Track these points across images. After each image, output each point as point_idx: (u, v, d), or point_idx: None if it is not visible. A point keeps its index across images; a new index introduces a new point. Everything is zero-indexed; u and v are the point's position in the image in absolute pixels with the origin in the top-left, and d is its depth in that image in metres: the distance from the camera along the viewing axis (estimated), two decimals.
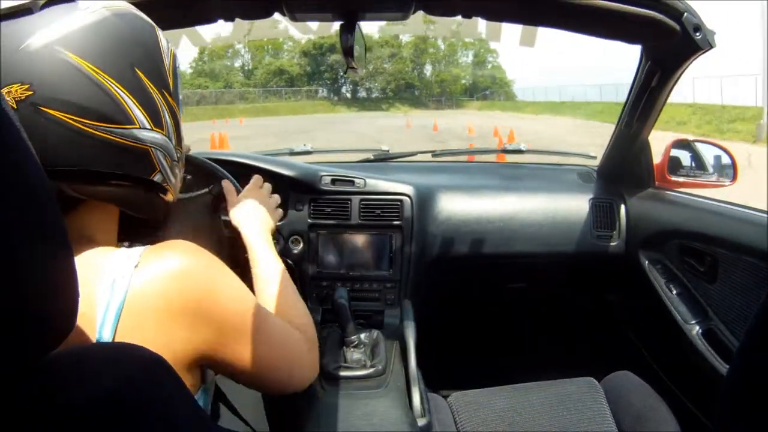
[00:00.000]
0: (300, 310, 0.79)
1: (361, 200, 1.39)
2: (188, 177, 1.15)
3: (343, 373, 1.10)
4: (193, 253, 0.56)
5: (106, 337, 0.49)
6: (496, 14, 1.01)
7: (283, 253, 1.38)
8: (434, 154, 1.87)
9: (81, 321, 0.47)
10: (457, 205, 1.47)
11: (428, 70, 45.00)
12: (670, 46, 1.06)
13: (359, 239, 1.40)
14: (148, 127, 0.56)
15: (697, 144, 1.46)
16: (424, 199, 1.44)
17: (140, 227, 0.64)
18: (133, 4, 0.87)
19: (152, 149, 0.57)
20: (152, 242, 0.58)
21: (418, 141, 13.39)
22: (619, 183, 1.51)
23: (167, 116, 0.59)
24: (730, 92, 17.75)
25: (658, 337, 1.43)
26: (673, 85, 1.21)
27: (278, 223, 1.38)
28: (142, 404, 0.37)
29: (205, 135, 10.78)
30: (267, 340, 0.62)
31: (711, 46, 1.01)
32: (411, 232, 1.39)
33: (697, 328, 1.18)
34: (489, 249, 1.45)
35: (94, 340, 0.49)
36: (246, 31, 1.19)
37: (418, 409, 1.04)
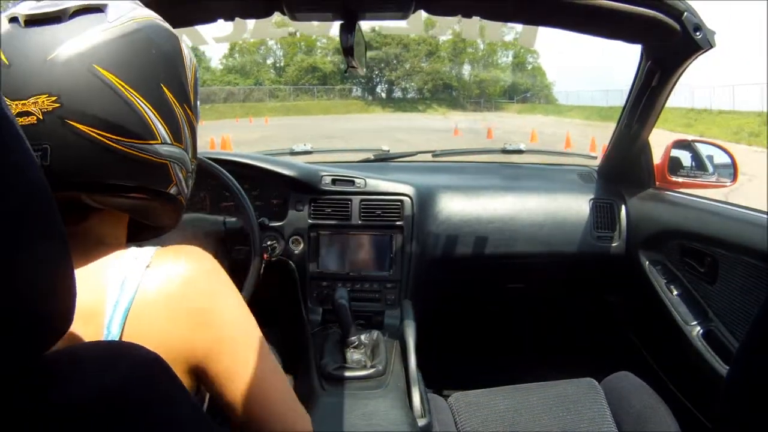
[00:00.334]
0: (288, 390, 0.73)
1: (362, 200, 1.39)
2: (203, 193, 1.15)
3: (343, 374, 1.10)
4: (204, 260, 0.57)
5: (114, 334, 0.49)
6: (496, 14, 1.01)
7: (284, 254, 1.38)
8: (434, 154, 1.87)
9: (90, 318, 0.48)
10: (458, 206, 1.47)
11: (466, 70, 41.70)
12: (671, 46, 1.06)
13: (359, 239, 1.40)
14: (169, 141, 0.56)
15: (697, 144, 1.46)
16: (425, 200, 1.44)
17: (146, 230, 0.64)
18: None
19: (170, 163, 0.57)
20: (160, 244, 0.58)
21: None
22: (619, 183, 1.51)
23: (186, 130, 0.59)
24: None
25: (658, 337, 1.43)
26: (674, 85, 1.21)
27: (278, 224, 1.38)
28: (140, 403, 0.37)
29: (219, 135, 10.05)
30: (263, 363, 0.60)
31: (711, 46, 1.01)
32: (411, 233, 1.39)
33: (698, 328, 1.18)
34: (489, 249, 1.45)
35: (102, 337, 0.49)
36: (246, 31, 1.19)
37: (418, 410, 1.04)
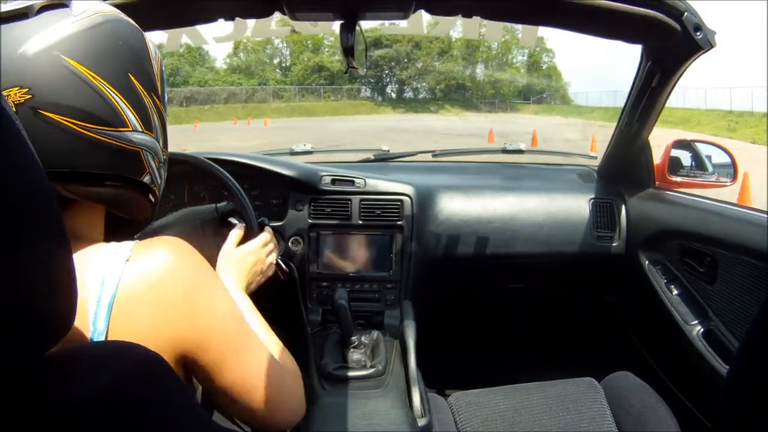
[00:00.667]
0: (282, 349, 0.76)
1: (362, 200, 1.39)
2: (203, 193, 1.15)
3: (343, 374, 1.10)
4: (183, 250, 0.58)
5: (100, 329, 0.50)
6: (496, 14, 1.01)
7: (284, 254, 1.38)
8: (434, 154, 1.87)
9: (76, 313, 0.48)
10: (458, 205, 1.47)
11: (480, 69, 39.23)
12: (671, 46, 1.06)
13: (359, 239, 1.40)
14: (140, 129, 0.58)
15: (697, 144, 1.46)
16: (425, 199, 1.44)
17: (124, 227, 0.65)
18: (135, 3, 0.87)
19: (143, 151, 0.58)
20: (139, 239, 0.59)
21: None
22: (619, 183, 1.51)
23: (156, 119, 0.60)
24: None
25: (658, 337, 1.43)
26: (674, 86, 1.21)
27: (278, 224, 1.38)
28: (140, 401, 0.37)
29: (204, 141, 9.59)
30: (251, 354, 0.62)
31: (711, 46, 1.01)
32: (411, 232, 1.39)
33: (697, 328, 1.18)
34: (489, 249, 1.45)
35: (88, 333, 0.50)
36: (247, 31, 1.19)
37: (418, 409, 1.04)
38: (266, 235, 1.00)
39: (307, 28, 1.29)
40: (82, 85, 0.52)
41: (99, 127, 0.53)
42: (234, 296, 0.69)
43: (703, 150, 1.44)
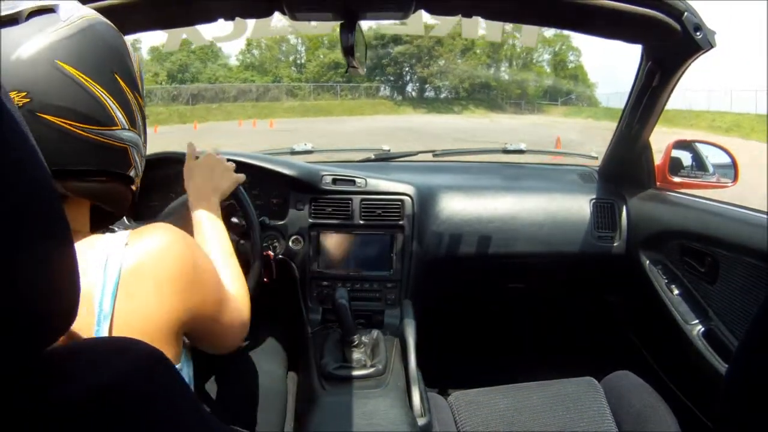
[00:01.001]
0: (238, 276, 0.84)
1: (362, 200, 1.39)
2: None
3: (343, 373, 1.10)
4: (175, 232, 0.62)
5: (106, 311, 0.53)
6: (496, 14, 1.01)
7: (284, 253, 1.38)
8: (435, 153, 1.87)
9: (81, 302, 0.49)
10: (458, 205, 1.47)
11: (504, 67, 36.55)
12: (671, 46, 1.06)
13: (360, 239, 1.40)
14: (127, 127, 0.61)
15: (697, 144, 1.45)
16: (425, 199, 1.44)
17: (104, 220, 0.68)
18: (135, 3, 0.87)
19: (129, 147, 0.62)
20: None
21: None
22: (620, 183, 1.51)
23: (138, 116, 0.64)
24: None
25: (659, 337, 1.43)
26: (674, 86, 1.21)
27: (279, 223, 1.38)
28: (141, 399, 0.37)
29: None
30: (228, 305, 0.71)
31: (711, 46, 1.01)
32: (412, 232, 1.39)
33: (698, 328, 1.18)
34: (490, 249, 1.45)
35: (94, 317, 0.52)
36: (246, 30, 1.19)
37: (418, 409, 1.05)
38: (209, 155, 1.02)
39: (307, 26, 1.28)
40: (76, 87, 0.55)
41: (92, 127, 0.57)
42: (201, 209, 0.88)
43: (704, 150, 1.44)
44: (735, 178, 1.39)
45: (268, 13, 0.93)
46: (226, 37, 1.21)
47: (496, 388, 1.18)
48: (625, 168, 1.48)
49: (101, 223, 0.67)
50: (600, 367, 1.28)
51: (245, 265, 1.13)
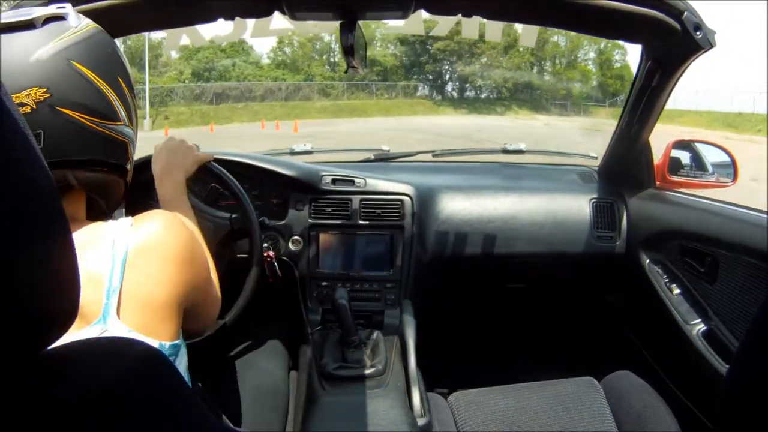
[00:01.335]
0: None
1: (362, 200, 1.39)
2: (203, 193, 1.16)
3: (343, 373, 1.10)
4: (175, 215, 0.69)
5: (115, 285, 0.58)
6: (496, 13, 1.01)
7: (284, 254, 1.38)
8: (435, 154, 1.87)
9: (91, 277, 0.57)
10: (458, 205, 1.47)
11: (548, 66, 32.84)
12: (671, 46, 1.06)
13: (359, 239, 1.40)
14: (127, 123, 0.68)
15: (697, 144, 1.46)
16: (425, 199, 1.44)
17: (97, 217, 0.71)
18: (135, 3, 0.87)
19: (128, 142, 0.69)
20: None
21: None
22: (619, 183, 1.51)
23: (134, 115, 0.71)
24: None
25: (658, 337, 1.43)
26: (674, 85, 1.21)
27: (279, 224, 1.38)
28: (141, 398, 0.37)
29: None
30: (212, 281, 0.79)
31: (711, 45, 1.01)
32: (412, 232, 1.39)
33: (698, 328, 1.18)
34: (489, 249, 1.45)
35: (104, 290, 0.57)
36: (246, 30, 1.19)
37: (418, 409, 1.05)
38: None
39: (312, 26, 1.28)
40: (88, 85, 0.62)
41: (102, 121, 0.64)
42: (168, 190, 0.94)
43: (703, 150, 1.44)
44: (734, 178, 1.39)
45: (267, 13, 0.93)
46: (226, 37, 1.21)
47: (496, 388, 1.18)
48: (625, 168, 1.48)
49: (94, 217, 0.70)
50: (600, 367, 1.28)
51: (245, 265, 1.13)
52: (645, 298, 1.34)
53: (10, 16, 0.60)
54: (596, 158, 1.69)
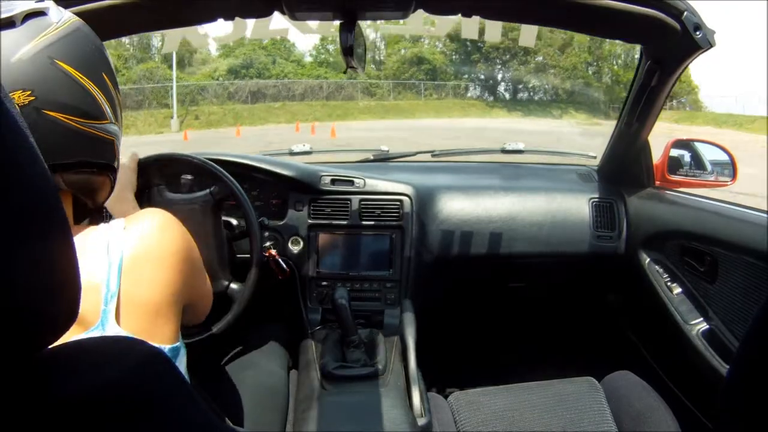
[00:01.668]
0: None
1: (361, 200, 1.39)
2: (189, 177, 1.16)
3: (343, 373, 1.10)
4: (167, 213, 0.67)
5: (113, 290, 0.57)
6: (495, 13, 1.01)
7: (284, 254, 1.38)
8: (434, 154, 1.87)
9: (88, 283, 0.54)
10: (457, 205, 1.47)
11: (605, 66, 28.86)
12: (671, 45, 1.06)
13: (359, 239, 1.40)
14: (113, 121, 0.66)
15: (696, 143, 1.46)
16: (424, 199, 1.44)
17: (81, 216, 0.71)
18: (134, 3, 0.87)
19: (115, 140, 0.67)
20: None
21: None
22: (619, 183, 1.51)
23: (119, 112, 0.69)
24: None
25: (658, 336, 1.43)
26: (673, 84, 1.21)
27: (278, 224, 1.39)
28: (143, 398, 0.37)
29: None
30: (206, 278, 0.79)
31: (711, 45, 1.01)
32: (411, 232, 1.39)
33: (698, 328, 1.18)
34: (489, 249, 1.45)
35: (102, 296, 0.57)
36: (246, 30, 1.19)
37: (417, 409, 1.04)
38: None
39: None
40: (73, 84, 0.59)
41: (89, 121, 0.61)
42: (121, 205, 0.98)
43: (703, 149, 1.44)
44: (733, 177, 1.40)
45: (267, 13, 0.93)
46: (226, 37, 1.21)
47: (496, 388, 1.18)
48: (625, 167, 1.48)
49: (78, 217, 0.70)
50: (600, 366, 1.28)
51: (245, 265, 1.13)
52: (645, 297, 1.34)
53: None
54: (595, 158, 1.69)
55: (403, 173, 1.59)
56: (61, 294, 0.35)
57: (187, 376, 0.72)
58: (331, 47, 27.33)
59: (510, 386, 1.18)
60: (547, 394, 1.15)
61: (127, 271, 0.58)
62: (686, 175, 1.41)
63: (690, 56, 1.08)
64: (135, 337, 0.57)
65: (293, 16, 0.91)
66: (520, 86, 28.47)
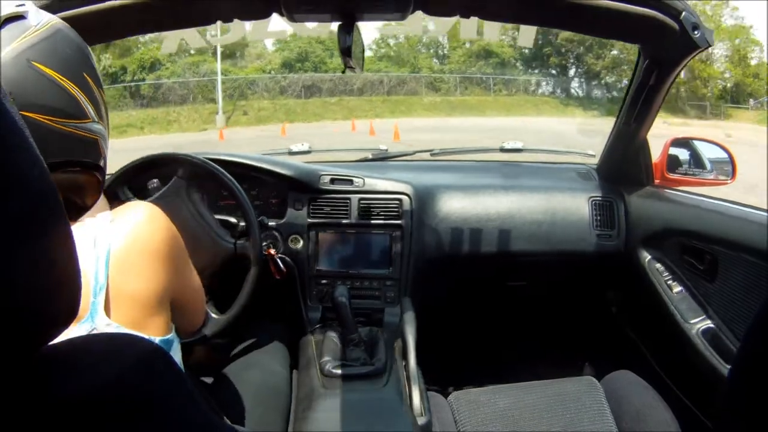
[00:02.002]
0: None
1: (360, 199, 1.40)
2: (202, 193, 1.18)
3: (342, 372, 1.10)
4: (154, 206, 0.68)
5: (102, 284, 0.58)
6: (494, 14, 1.01)
7: (284, 253, 1.38)
8: (433, 153, 1.87)
9: None
10: (457, 204, 1.47)
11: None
12: (669, 45, 1.06)
13: (358, 238, 1.41)
14: (96, 120, 0.66)
15: (695, 142, 1.46)
16: (424, 198, 1.44)
17: (73, 216, 0.71)
18: (133, 5, 0.87)
19: (99, 139, 0.67)
20: None
21: None
22: (618, 181, 1.51)
23: (104, 110, 0.69)
24: None
25: (658, 335, 1.43)
26: (672, 83, 1.21)
27: (277, 223, 1.39)
28: (143, 396, 0.37)
29: None
30: (196, 280, 0.79)
31: (709, 45, 1.01)
32: (410, 231, 1.39)
33: (697, 326, 1.18)
34: (488, 247, 1.45)
35: (91, 289, 0.58)
36: (245, 31, 1.19)
37: (417, 408, 1.05)
38: None
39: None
40: (52, 85, 0.60)
41: (69, 121, 0.62)
42: None
43: (702, 148, 1.44)
44: (732, 175, 1.40)
45: (265, 15, 0.93)
46: (226, 38, 1.21)
47: (496, 388, 1.18)
48: (624, 166, 1.48)
49: (70, 217, 0.69)
50: (600, 365, 1.28)
51: (245, 265, 1.14)
52: (644, 296, 1.34)
53: None
54: (594, 156, 1.69)
55: (402, 172, 1.59)
56: (62, 293, 0.35)
57: (182, 367, 0.72)
58: (392, 41, 25.67)
59: (510, 385, 1.18)
60: (547, 393, 1.15)
61: (114, 264, 0.59)
62: (685, 174, 1.41)
63: (688, 55, 1.08)
64: (126, 329, 0.59)
65: (292, 18, 0.91)
66: (595, 83, 25.57)
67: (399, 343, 1.22)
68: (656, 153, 1.43)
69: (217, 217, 1.18)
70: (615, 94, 24.39)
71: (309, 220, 1.39)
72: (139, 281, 0.61)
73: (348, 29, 0.88)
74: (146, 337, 0.60)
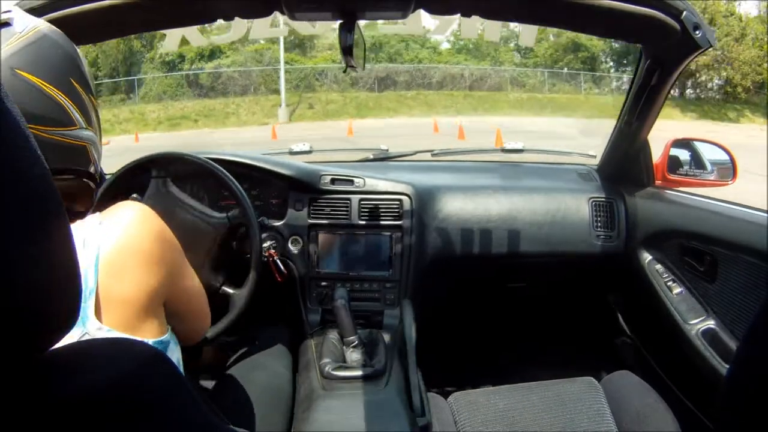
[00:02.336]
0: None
1: (361, 200, 1.39)
2: (202, 193, 1.17)
3: (342, 374, 1.10)
4: (144, 206, 0.67)
5: (91, 287, 0.57)
6: (495, 13, 1.01)
7: (284, 254, 1.38)
8: (433, 153, 1.86)
9: None
10: (457, 205, 1.47)
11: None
12: (670, 45, 1.06)
13: (359, 239, 1.40)
14: (84, 126, 0.66)
15: (696, 143, 1.45)
16: (424, 199, 1.43)
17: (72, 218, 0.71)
18: (134, 3, 0.87)
19: (88, 145, 0.67)
20: None
21: None
22: (618, 182, 1.51)
23: (93, 116, 0.68)
24: None
25: (658, 336, 1.43)
26: (673, 84, 1.21)
27: (278, 223, 1.39)
28: (143, 399, 0.37)
29: None
30: (196, 282, 0.77)
31: (710, 45, 1.01)
32: (411, 232, 1.39)
33: (697, 327, 1.18)
34: (489, 248, 1.45)
35: (80, 292, 0.54)
36: (246, 31, 1.19)
37: (417, 409, 1.05)
38: None
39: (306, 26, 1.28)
40: (36, 93, 0.60)
41: (55, 129, 0.61)
42: None
43: (702, 149, 1.44)
44: (733, 176, 1.39)
45: (266, 13, 0.93)
46: (226, 37, 1.20)
47: (496, 388, 1.18)
48: (624, 166, 1.48)
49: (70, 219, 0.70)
50: (600, 366, 1.28)
51: (245, 265, 1.14)
52: (644, 297, 1.34)
53: None
54: (595, 157, 1.69)
55: (402, 173, 1.59)
56: (62, 294, 0.35)
57: (181, 368, 0.72)
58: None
59: (510, 386, 1.18)
60: (547, 394, 1.15)
61: (104, 266, 0.58)
62: (686, 175, 1.41)
63: (689, 56, 1.08)
64: (118, 332, 0.58)
65: (293, 17, 0.91)
66: (689, 82, 21.77)
67: (399, 344, 1.22)
68: (657, 154, 1.43)
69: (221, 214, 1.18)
70: (708, 95, 21.52)
71: (309, 220, 1.39)
72: (130, 284, 0.60)
73: (349, 28, 0.88)
74: (138, 339, 0.59)
